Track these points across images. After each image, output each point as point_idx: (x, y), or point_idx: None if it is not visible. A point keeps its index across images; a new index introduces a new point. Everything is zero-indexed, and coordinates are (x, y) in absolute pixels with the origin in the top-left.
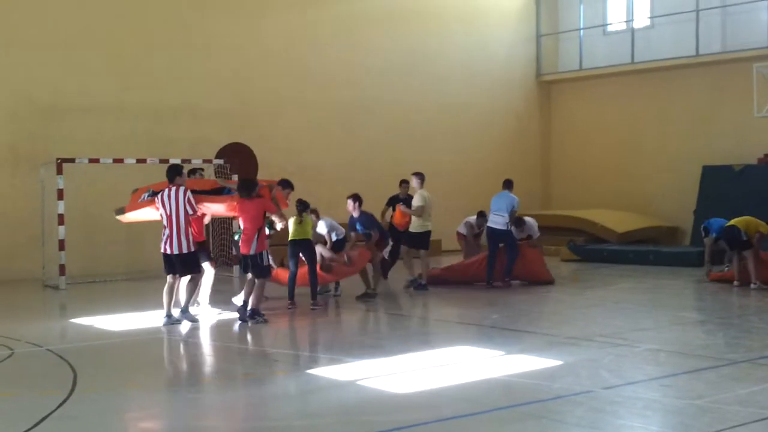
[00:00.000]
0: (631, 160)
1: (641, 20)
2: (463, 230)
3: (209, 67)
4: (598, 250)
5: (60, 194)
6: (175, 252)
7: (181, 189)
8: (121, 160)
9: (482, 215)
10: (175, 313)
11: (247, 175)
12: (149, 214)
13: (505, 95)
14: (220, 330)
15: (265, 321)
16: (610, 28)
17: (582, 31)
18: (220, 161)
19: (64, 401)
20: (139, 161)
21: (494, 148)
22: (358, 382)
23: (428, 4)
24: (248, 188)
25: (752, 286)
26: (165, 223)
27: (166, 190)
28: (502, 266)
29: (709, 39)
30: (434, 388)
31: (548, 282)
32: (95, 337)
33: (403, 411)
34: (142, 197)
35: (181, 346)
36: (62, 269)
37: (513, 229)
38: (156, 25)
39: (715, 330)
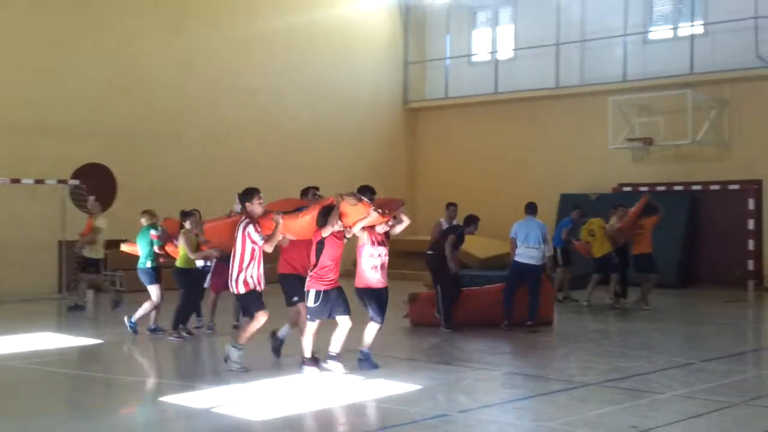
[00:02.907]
0: (493, 186)
1: (505, 52)
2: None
3: (73, 85)
4: (460, 275)
5: None
6: (233, 291)
7: (243, 222)
8: None
9: (453, 205)
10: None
11: (106, 194)
12: (222, 231)
13: (372, 121)
14: (76, 357)
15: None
16: (475, 59)
17: (448, 60)
18: (76, 182)
19: None
20: None
21: (362, 173)
22: (212, 410)
23: (297, 29)
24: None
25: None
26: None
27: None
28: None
29: (568, 72)
30: (291, 414)
31: (549, 322)
32: None
33: None
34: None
35: (31, 374)
36: None
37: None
38: (21, 40)
39: (569, 353)
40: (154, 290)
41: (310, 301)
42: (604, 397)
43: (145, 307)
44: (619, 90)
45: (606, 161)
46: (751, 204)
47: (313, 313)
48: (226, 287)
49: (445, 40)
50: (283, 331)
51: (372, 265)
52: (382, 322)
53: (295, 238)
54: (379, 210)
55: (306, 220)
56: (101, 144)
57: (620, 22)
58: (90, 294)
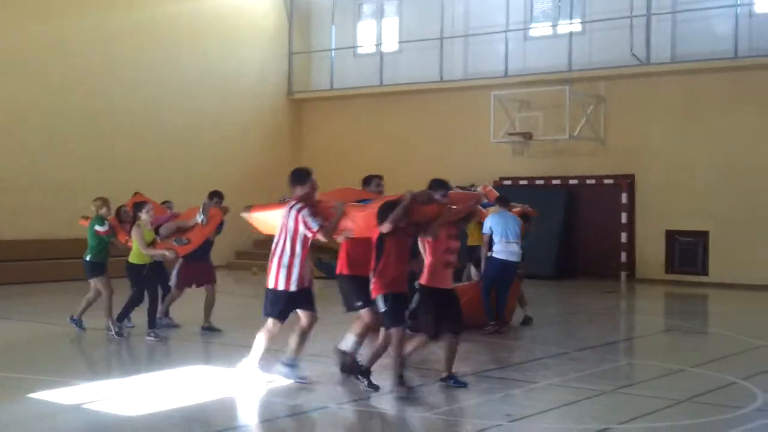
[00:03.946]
0: None
1: (390, 44)
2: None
3: None
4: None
5: None
6: (269, 286)
7: (295, 205)
8: None
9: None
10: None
11: None
12: (275, 219)
13: (257, 112)
14: None
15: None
16: (360, 51)
17: (333, 51)
18: None
19: None
20: None
21: (246, 165)
22: (83, 406)
23: (179, 17)
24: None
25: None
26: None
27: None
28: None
29: (452, 66)
30: (165, 409)
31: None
32: None
33: None
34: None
35: None
36: None
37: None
38: None
39: None
40: (97, 283)
41: (381, 307)
42: (481, 386)
43: (83, 303)
44: (501, 85)
45: (488, 155)
46: (624, 198)
47: (391, 319)
48: (195, 284)
49: (330, 31)
50: (347, 342)
51: (445, 262)
52: (459, 332)
53: (353, 235)
54: (453, 207)
55: (370, 213)
56: None
57: (502, 18)
58: None
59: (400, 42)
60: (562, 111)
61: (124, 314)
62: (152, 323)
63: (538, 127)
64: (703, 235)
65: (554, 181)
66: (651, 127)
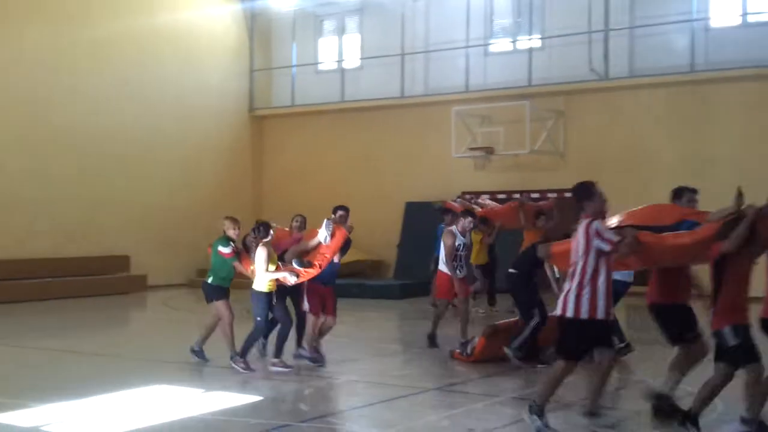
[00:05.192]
0: (340, 195)
1: (351, 61)
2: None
3: None
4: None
5: None
6: (559, 312)
7: (593, 224)
8: None
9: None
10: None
11: None
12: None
13: (217, 128)
14: None
15: None
16: (321, 67)
17: (295, 68)
18: None
19: None
20: None
21: (206, 182)
22: (41, 428)
23: (140, 32)
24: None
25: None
26: None
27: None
28: None
29: (413, 82)
30: (126, 430)
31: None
32: None
33: None
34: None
35: None
36: None
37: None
38: None
39: (412, 360)
40: (218, 307)
41: (730, 340)
42: (443, 401)
43: (204, 331)
44: (462, 100)
45: (450, 170)
46: None
47: (746, 353)
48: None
49: (291, 47)
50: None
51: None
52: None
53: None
54: None
55: (695, 239)
56: None
57: (463, 34)
58: None
59: (362, 58)
60: (523, 126)
61: (247, 346)
62: (279, 351)
63: (499, 141)
64: None
65: (515, 195)
66: (610, 140)
